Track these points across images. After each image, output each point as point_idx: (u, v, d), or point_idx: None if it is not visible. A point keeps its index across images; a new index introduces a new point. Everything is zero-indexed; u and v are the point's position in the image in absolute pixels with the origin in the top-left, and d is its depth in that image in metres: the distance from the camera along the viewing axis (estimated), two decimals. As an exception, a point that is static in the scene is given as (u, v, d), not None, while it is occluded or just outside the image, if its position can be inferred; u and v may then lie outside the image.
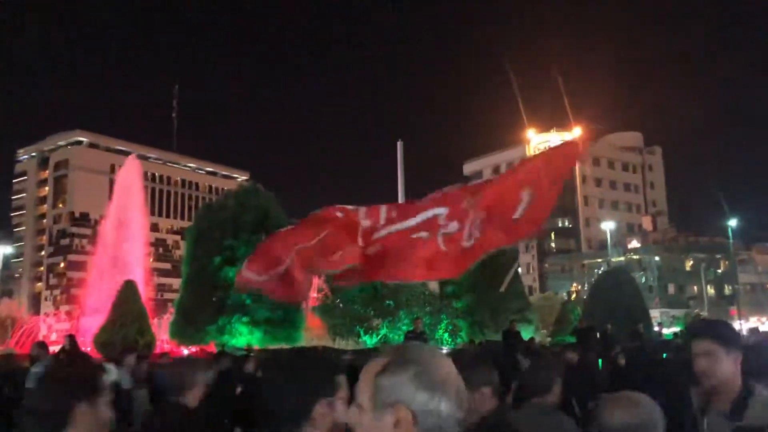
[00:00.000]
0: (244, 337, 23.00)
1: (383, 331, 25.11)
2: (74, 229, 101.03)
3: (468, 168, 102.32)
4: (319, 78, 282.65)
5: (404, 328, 23.02)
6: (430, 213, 5.09)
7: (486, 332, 26.48)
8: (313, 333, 26.97)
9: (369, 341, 24.85)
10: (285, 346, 21.65)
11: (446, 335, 25.82)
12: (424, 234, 4.96)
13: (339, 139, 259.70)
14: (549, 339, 29.25)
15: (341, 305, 26.18)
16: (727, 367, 2.62)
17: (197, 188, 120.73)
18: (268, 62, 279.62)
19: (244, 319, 23.35)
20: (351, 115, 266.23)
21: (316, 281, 38.36)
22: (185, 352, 20.36)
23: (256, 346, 20.38)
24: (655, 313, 46.89)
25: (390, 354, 1.45)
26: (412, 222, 5.05)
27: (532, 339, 19.07)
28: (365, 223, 5.04)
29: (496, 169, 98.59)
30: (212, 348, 19.52)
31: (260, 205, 25.59)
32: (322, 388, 1.91)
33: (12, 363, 15.82)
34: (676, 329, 34.27)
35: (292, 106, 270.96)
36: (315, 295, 30.35)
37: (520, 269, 65.77)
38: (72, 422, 2.15)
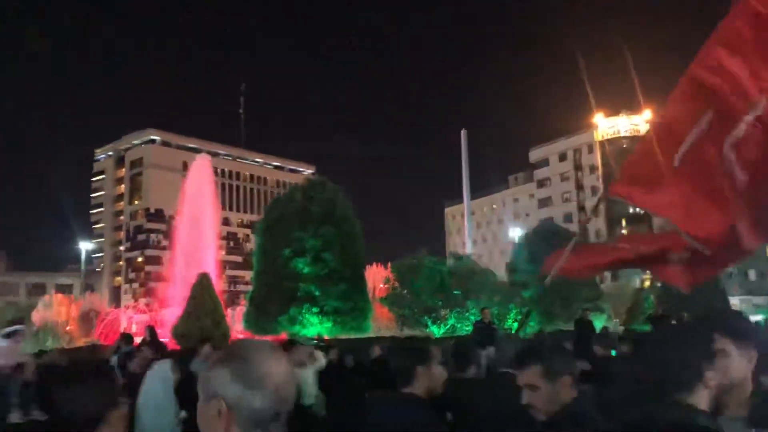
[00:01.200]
0: (314, 327, 23.40)
1: (451, 321, 25.08)
2: (150, 225, 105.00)
3: (534, 155, 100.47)
4: (380, 69, 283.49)
5: (472, 318, 22.92)
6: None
7: (556, 322, 26.06)
8: (380, 323, 27.22)
9: (437, 331, 24.88)
10: (354, 336, 21.95)
11: (515, 325, 25.55)
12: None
13: (403, 130, 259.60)
14: (621, 328, 28.56)
15: (409, 295, 26.27)
16: (739, 366, 2.38)
17: (265, 183, 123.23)
18: (330, 55, 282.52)
19: (314, 309, 23.75)
20: (414, 106, 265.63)
21: (381, 271, 38.48)
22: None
23: (325, 336, 20.70)
24: (735, 301, 45.00)
25: (224, 350, 1.57)
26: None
27: (605, 328, 18.63)
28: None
29: (562, 156, 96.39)
30: (284, 338, 19.94)
31: (327, 197, 25.93)
32: None
33: (96, 353, 16.66)
34: (759, 317, 32.78)
35: (355, 98, 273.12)
36: (381, 285, 30.55)
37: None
38: None
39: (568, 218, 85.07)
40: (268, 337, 21.66)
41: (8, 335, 9.41)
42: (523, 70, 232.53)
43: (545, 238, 31.21)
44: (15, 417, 8.64)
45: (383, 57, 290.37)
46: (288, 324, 23.50)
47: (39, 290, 75.28)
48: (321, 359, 7.36)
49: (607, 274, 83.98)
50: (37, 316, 37.52)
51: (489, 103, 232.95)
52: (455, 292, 25.32)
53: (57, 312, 36.81)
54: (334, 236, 24.16)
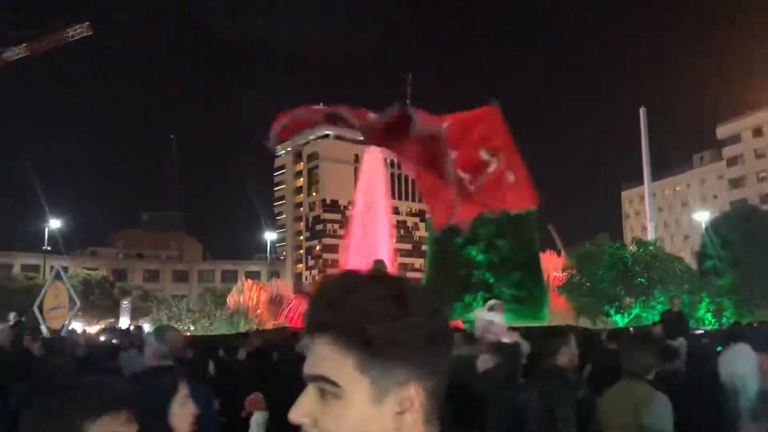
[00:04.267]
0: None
1: (636, 311, 23.66)
2: (326, 215, 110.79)
3: (722, 131, 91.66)
4: (555, 47, 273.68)
5: (659, 307, 21.43)
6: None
7: (756, 312, 23.65)
8: (555, 312, 26.38)
9: (620, 321, 23.61)
10: (531, 324, 21.46)
11: (708, 315, 23.54)
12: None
13: (580, 110, 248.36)
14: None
15: (588, 284, 25.17)
16: None
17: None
18: (494, 38, 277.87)
19: (488, 296, 23.54)
20: (591, 84, 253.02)
21: (554, 259, 37.43)
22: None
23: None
24: None
25: None
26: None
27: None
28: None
29: (757, 131, 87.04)
30: (459, 325, 19.98)
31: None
32: None
33: (281, 334, 17.83)
34: None
35: (523, 78, 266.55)
36: (555, 274, 29.57)
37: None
38: None
39: (765, 200, 76.69)
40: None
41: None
42: (707, 39, 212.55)
43: (740, 221, 28.49)
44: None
45: (558, 32, 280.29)
46: (463, 311, 23.55)
47: (231, 277, 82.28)
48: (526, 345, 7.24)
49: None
50: (231, 300, 41.01)
51: (669, 78, 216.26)
52: (639, 280, 23.81)
53: (248, 297, 39.97)
54: (507, 223, 23.76)
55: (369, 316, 0.92)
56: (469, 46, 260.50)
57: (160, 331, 3.86)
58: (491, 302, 8.18)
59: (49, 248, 53.62)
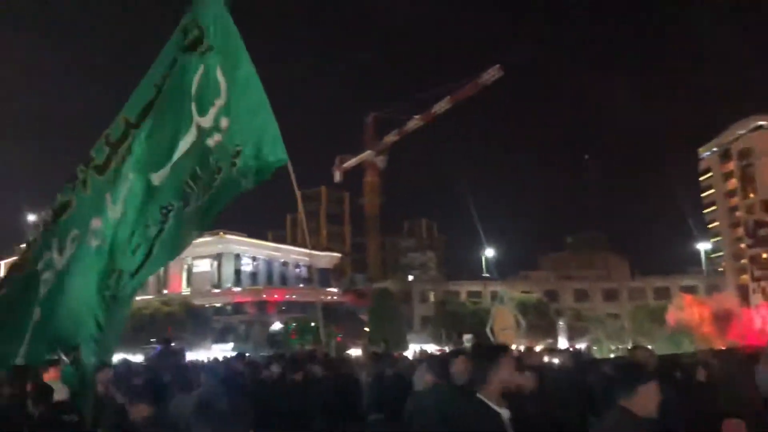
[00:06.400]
0: None
1: None
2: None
3: None
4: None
5: None
6: None
7: None
8: None
9: None
10: None
11: None
12: None
13: None
14: None
15: None
16: None
17: None
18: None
19: None
20: None
21: None
22: None
23: None
24: None
25: None
26: None
27: None
28: None
29: None
30: None
31: None
32: None
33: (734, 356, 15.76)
34: None
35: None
36: None
37: None
38: None
39: None
40: None
41: None
42: None
43: None
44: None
45: None
46: None
47: (663, 293, 77.87)
48: None
49: None
50: (672, 317, 38.70)
51: None
52: None
53: (689, 313, 37.11)
54: None
55: None
56: None
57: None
58: None
59: (487, 275, 59.01)
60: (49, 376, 6.33)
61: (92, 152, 7.29)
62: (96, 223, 7.08)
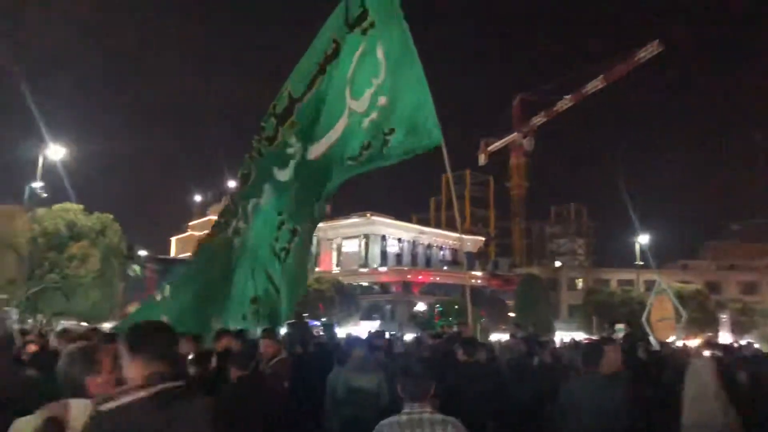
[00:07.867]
0: None
1: None
2: None
3: None
4: None
5: None
6: None
7: None
8: None
9: None
10: None
11: None
12: None
13: None
14: None
15: None
16: None
17: None
18: None
19: None
20: None
21: None
22: None
23: None
24: None
25: None
26: None
27: None
28: None
29: None
30: None
31: None
32: None
33: None
34: None
35: None
36: None
37: None
38: None
39: None
40: None
41: None
42: None
43: None
44: None
45: None
46: None
47: None
48: None
49: None
50: None
51: None
52: None
53: None
54: None
55: None
56: None
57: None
58: None
59: (641, 263, 55.95)
60: (222, 345, 6.38)
61: (262, 122, 8.00)
62: (268, 187, 7.79)
